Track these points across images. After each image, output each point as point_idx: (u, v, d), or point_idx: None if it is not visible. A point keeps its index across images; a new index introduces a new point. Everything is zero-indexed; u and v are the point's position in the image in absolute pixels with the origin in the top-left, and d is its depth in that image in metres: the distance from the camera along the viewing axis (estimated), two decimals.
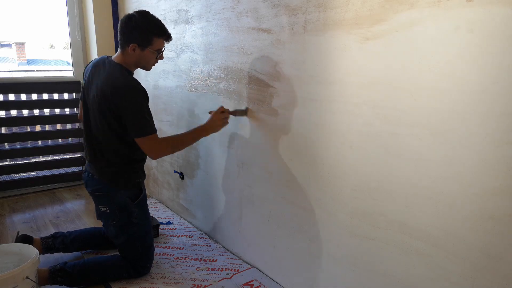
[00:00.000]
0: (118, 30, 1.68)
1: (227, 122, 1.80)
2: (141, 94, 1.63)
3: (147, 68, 1.77)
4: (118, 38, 1.70)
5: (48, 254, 1.94)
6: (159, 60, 1.78)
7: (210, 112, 1.81)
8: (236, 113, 1.80)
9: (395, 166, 1.19)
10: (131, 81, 1.63)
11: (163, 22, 1.70)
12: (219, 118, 1.77)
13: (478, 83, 0.96)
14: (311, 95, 1.43)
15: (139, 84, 1.65)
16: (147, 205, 1.87)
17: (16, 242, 1.78)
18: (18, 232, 1.86)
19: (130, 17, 1.64)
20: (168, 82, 2.44)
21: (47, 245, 1.90)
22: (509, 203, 0.94)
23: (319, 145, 1.44)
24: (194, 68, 2.14)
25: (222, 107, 1.79)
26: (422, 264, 1.16)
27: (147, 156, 1.72)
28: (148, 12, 1.69)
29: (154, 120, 1.68)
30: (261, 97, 1.67)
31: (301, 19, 1.42)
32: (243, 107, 1.79)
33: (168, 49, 2.36)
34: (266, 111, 1.66)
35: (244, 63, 1.74)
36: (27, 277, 1.46)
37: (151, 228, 1.87)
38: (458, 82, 1.00)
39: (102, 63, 1.72)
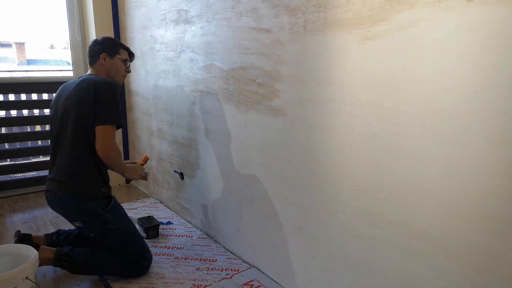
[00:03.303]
0: (87, 54, 1.90)
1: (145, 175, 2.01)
2: (118, 90, 1.77)
3: (118, 78, 1.93)
4: (88, 61, 1.91)
5: None
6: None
7: (135, 162, 2.05)
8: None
9: (395, 166, 1.18)
10: (109, 79, 1.80)
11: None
12: (138, 172, 1.97)
13: (478, 83, 0.96)
14: (311, 95, 1.43)
15: (115, 82, 1.80)
16: (122, 208, 1.86)
17: (15, 242, 1.79)
18: (19, 231, 1.86)
19: (96, 39, 1.91)
20: (168, 82, 2.44)
21: (51, 241, 1.92)
22: (509, 203, 0.94)
23: (319, 145, 1.44)
24: (194, 68, 2.14)
25: (143, 166, 2.04)
26: (422, 264, 1.16)
27: (98, 153, 1.71)
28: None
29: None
30: (261, 97, 1.67)
31: (301, 19, 1.42)
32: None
33: (168, 49, 2.37)
34: (266, 111, 1.66)
35: (244, 63, 1.74)
36: (26, 278, 1.46)
37: (135, 229, 1.86)
38: (458, 82, 1.00)
39: (71, 81, 1.86)
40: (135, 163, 2.04)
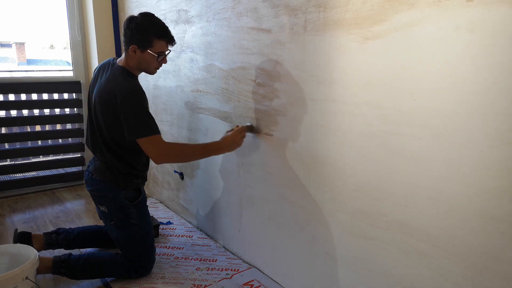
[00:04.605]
0: (122, 32, 1.68)
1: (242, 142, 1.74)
2: (139, 97, 1.61)
3: (150, 71, 1.75)
4: (122, 41, 1.70)
5: (49, 250, 1.95)
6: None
7: (228, 131, 1.73)
8: (248, 129, 1.73)
9: (395, 166, 1.18)
10: (130, 84, 1.62)
11: (163, 22, 1.70)
12: (239, 137, 1.70)
13: (478, 83, 0.96)
14: (311, 95, 1.43)
15: (138, 86, 1.65)
16: (147, 207, 1.87)
17: (14, 241, 1.79)
18: (16, 229, 1.86)
19: (131, 18, 1.64)
20: (168, 82, 2.44)
21: (50, 241, 1.91)
22: (509, 203, 0.94)
23: (319, 145, 1.44)
24: (194, 68, 2.14)
25: (239, 126, 1.72)
26: (422, 264, 1.15)
27: (150, 160, 1.70)
28: (152, 14, 1.68)
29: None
30: (261, 97, 1.67)
31: (301, 19, 1.42)
32: (247, 123, 1.74)
33: None
34: (266, 111, 1.66)
35: (244, 63, 1.74)
36: (26, 278, 1.46)
37: (152, 230, 1.87)
38: (458, 82, 1.00)
39: (107, 65, 1.75)
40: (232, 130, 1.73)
